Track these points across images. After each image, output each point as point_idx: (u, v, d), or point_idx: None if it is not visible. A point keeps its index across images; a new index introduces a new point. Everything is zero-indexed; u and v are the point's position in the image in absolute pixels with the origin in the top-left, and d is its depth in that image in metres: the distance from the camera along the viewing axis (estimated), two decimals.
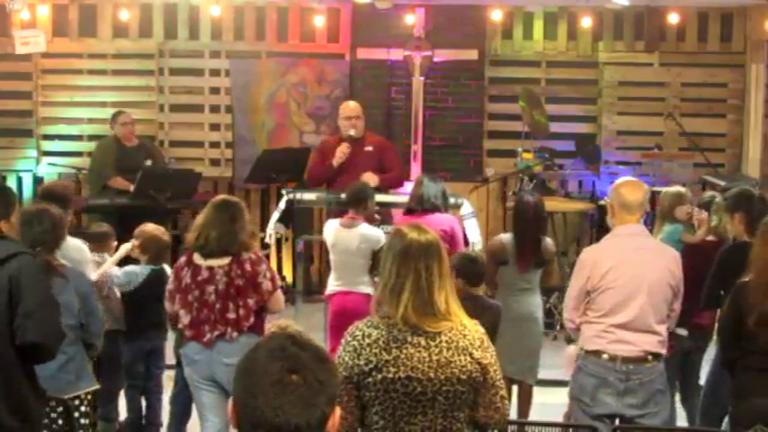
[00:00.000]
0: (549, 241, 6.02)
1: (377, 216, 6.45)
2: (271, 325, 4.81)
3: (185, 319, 4.92)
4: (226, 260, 4.85)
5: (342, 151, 8.00)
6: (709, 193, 6.45)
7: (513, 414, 5.58)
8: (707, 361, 5.72)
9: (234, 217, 4.89)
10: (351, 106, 8.33)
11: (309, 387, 1.94)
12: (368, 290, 6.09)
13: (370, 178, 7.79)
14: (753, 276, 4.29)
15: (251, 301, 4.85)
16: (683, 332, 5.48)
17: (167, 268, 5.63)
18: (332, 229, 6.27)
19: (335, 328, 6.00)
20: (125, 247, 5.76)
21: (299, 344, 2.00)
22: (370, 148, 8.16)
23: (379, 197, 7.42)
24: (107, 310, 5.46)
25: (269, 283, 4.88)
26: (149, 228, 5.80)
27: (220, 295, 4.84)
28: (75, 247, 5.20)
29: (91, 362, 4.85)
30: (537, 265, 5.88)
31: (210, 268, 4.86)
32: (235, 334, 4.84)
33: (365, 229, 6.15)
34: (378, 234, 6.11)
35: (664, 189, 6.45)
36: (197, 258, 4.91)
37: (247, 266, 4.84)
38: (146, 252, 5.71)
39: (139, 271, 5.64)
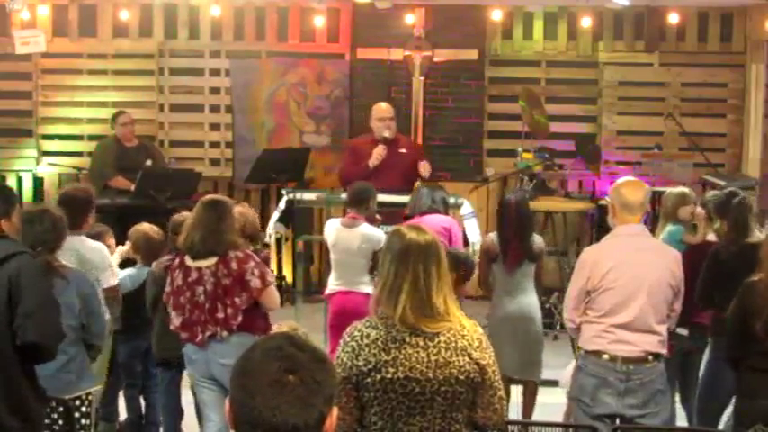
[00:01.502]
0: (537, 237, 6.04)
1: (378, 216, 6.43)
2: (278, 326, 4.85)
3: (177, 320, 4.94)
4: (213, 260, 4.86)
5: (379, 153, 7.89)
6: (712, 193, 6.45)
7: (514, 414, 5.59)
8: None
9: (220, 217, 4.89)
10: (384, 107, 8.21)
11: (307, 387, 1.94)
12: (368, 290, 6.08)
13: (425, 168, 7.86)
14: (763, 276, 4.28)
15: (238, 300, 4.84)
16: (683, 332, 5.49)
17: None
18: (333, 229, 6.27)
19: (335, 328, 6.00)
20: (120, 251, 5.78)
21: (296, 344, 2.00)
22: (404, 150, 8.07)
23: (390, 198, 7.42)
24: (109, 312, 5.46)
25: (257, 281, 4.86)
26: (141, 227, 5.83)
27: (209, 296, 4.86)
28: (94, 249, 5.20)
29: (93, 362, 4.85)
30: (529, 260, 5.89)
31: (199, 269, 4.88)
32: (225, 333, 4.84)
33: (366, 229, 6.15)
34: (379, 234, 6.11)
35: (668, 189, 6.45)
36: (187, 260, 4.93)
37: (233, 265, 4.85)
38: (138, 252, 5.73)
39: (137, 273, 5.66)
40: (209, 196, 5.28)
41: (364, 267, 6.14)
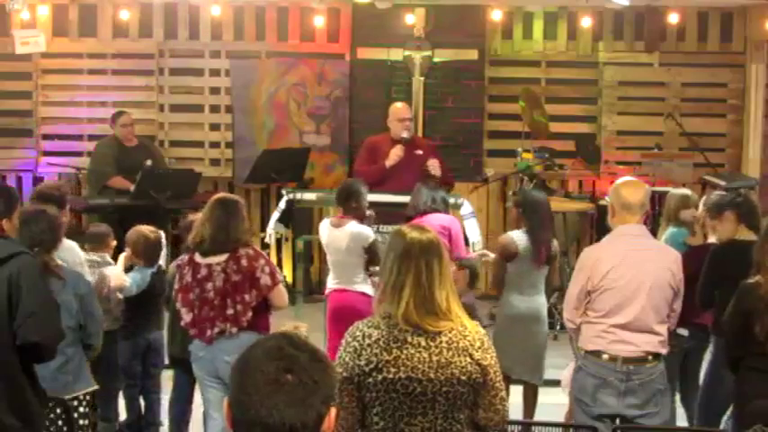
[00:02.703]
0: (554, 240, 6.07)
1: (369, 213, 6.36)
2: (293, 326, 4.87)
3: (187, 317, 4.97)
4: (223, 257, 4.89)
5: (396, 154, 7.83)
6: (715, 194, 6.46)
7: (516, 414, 5.59)
8: (705, 360, 5.73)
9: (229, 214, 4.92)
10: (402, 108, 8.14)
11: (305, 387, 1.95)
12: (363, 288, 6.10)
13: (434, 166, 7.74)
14: (761, 278, 4.27)
15: (248, 297, 4.87)
16: (683, 332, 5.49)
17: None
18: (324, 229, 6.30)
19: (333, 326, 6.09)
20: (123, 258, 5.77)
21: (295, 344, 2.00)
22: (420, 152, 7.99)
23: (387, 198, 7.42)
24: (106, 310, 5.46)
25: (267, 278, 4.89)
26: (138, 230, 5.83)
27: (218, 292, 4.88)
28: (67, 248, 5.19)
29: (89, 363, 4.84)
30: (546, 261, 5.91)
31: (209, 266, 4.91)
32: (234, 330, 4.87)
33: (352, 227, 6.13)
34: (365, 231, 6.09)
35: (671, 190, 6.46)
36: (197, 257, 4.95)
37: (244, 262, 4.87)
38: (138, 256, 5.73)
39: (141, 277, 5.66)
40: (219, 194, 5.31)
41: (357, 266, 6.13)
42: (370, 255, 6.04)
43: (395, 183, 7.60)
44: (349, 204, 6.17)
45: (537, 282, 5.91)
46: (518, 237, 5.89)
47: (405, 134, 7.93)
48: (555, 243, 6.05)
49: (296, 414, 1.92)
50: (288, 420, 1.92)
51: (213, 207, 4.97)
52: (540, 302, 5.93)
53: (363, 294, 6.06)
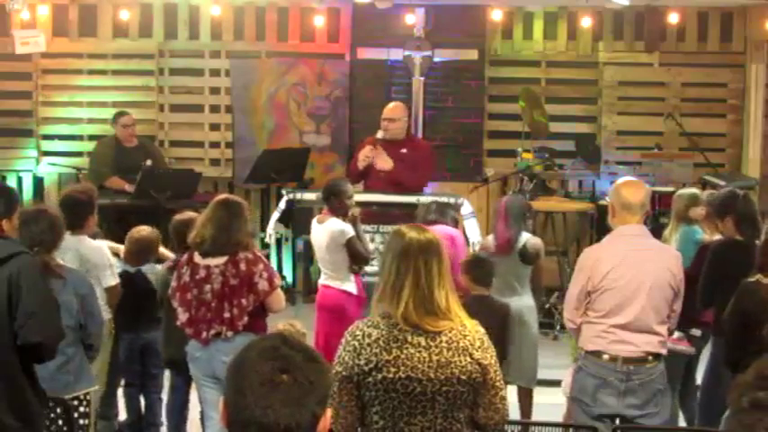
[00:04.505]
0: (534, 239, 6.02)
1: (353, 213, 6.31)
2: (282, 324, 4.86)
3: (183, 316, 4.96)
4: (222, 259, 4.88)
5: (365, 154, 7.76)
6: (709, 193, 6.47)
7: (513, 414, 5.58)
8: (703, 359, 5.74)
9: (231, 216, 4.92)
10: (389, 108, 8.04)
11: (300, 387, 1.95)
12: (346, 286, 6.09)
13: (384, 162, 7.64)
14: (765, 278, 4.27)
15: (244, 301, 4.86)
16: (697, 332, 5.50)
17: (156, 266, 5.71)
18: (312, 227, 6.31)
19: (318, 321, 6.17)
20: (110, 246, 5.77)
21: (290, 344, 2.01)
22: (404, 151, 7.87)
23: (382, 197, 7.41)
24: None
25: (265, 283, 4.89)
26: (132, 232, 5.83)
27: (216, 294, 4.87)
28: (95, 249, 5.19)
29: (91, 362, 4.84)
30: (524, 261, 5.88)
31: (207, 267, 4.90)
32: (230, 333, 4.87)
33: (331, 224, 6.11)
34: (340, 227, 6.05)
35: (680, 190, 6.47)
36: (196, 257, 4.94)
37: (242, 266, 4.86)
38: (131, 255, 5.74)
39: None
40: (222, 195, 5.31)
41: (341, 263, 6.10)
42: (351, 253, 6.04)
43: (378, 182, 7.59)
44: (331, 202, 6.18)
45: (515, 283, 5.88)
46: (490, 238, 6.02)
47: (379, 134, 7.82)
48: (535, 242, 5.98)
49: (291, 414, 1.92)
50: (283, 420, 1.91)
51: (216, 208, 4.96)
52: (523, 304, 5.86)
53: (346, 293, 6.07)
